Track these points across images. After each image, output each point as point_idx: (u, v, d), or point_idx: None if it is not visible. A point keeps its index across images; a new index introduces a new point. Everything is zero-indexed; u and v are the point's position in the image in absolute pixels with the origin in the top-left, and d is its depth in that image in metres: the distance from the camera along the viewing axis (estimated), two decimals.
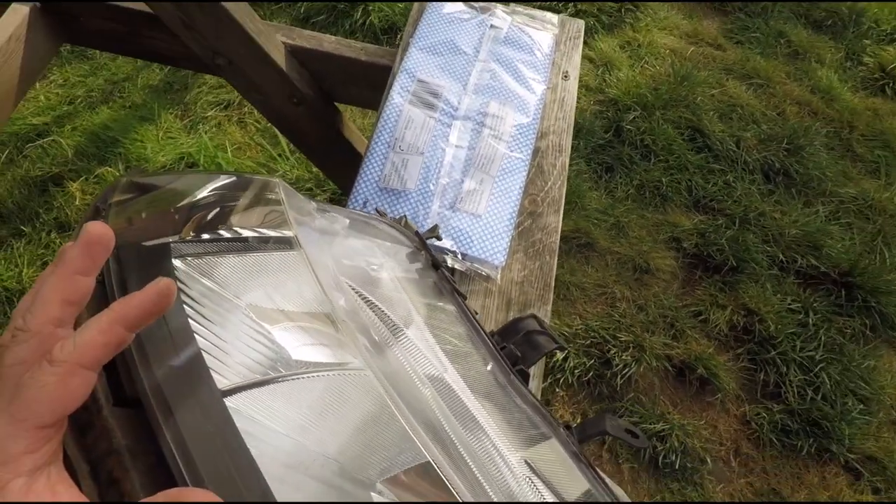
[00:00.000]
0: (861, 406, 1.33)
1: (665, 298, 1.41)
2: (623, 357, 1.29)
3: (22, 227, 1.38)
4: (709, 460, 1.24)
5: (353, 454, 0.32)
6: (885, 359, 1.42)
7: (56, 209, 1.41)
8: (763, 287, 1.44)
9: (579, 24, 0.88)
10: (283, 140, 1.49)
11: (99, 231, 0.25)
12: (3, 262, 1.33)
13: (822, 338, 1.39)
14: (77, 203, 1.41)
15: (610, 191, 1.56)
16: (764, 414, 1.30)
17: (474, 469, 0.36)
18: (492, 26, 0.82)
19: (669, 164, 1.61)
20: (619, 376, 1.27)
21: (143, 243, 0.38)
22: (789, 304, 1.43)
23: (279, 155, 1.47)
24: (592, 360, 1.29)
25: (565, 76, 0.83)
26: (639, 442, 0.38)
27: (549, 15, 0.87)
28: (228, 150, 1.46)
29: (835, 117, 1.81)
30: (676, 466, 1.21)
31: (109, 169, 1.45)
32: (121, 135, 1.51)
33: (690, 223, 1.53)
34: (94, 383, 0.24)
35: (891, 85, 1.90)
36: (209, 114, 1.58)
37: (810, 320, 1.41)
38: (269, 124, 1.53)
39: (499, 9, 0.84)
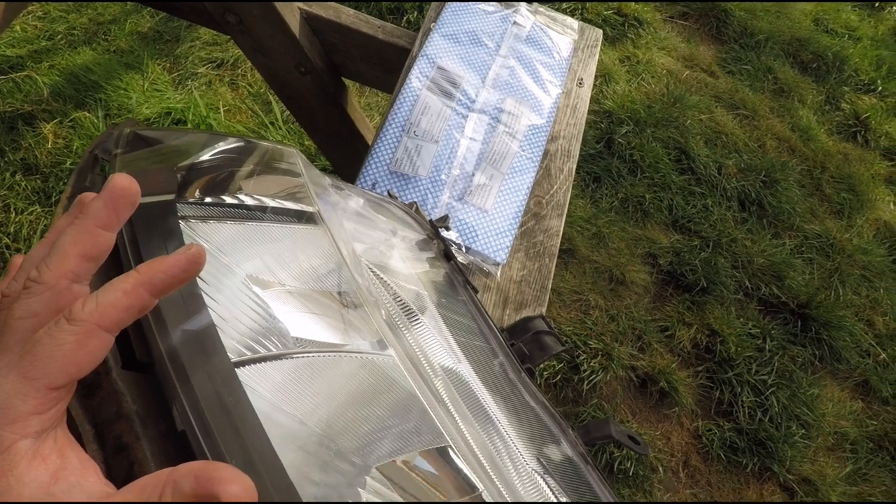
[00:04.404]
0: (803, 431, 1.41)
1: (636, 311, 1.45)
2: (591, 364, 1.33)
3: None
4: (660, 469, 1.29)
5: (361, 434, 0.31)
6: (829, 389, 1.51)
7: (24, 149, 1.33)
8: (728, 310, 1.50)
9: (597, 33, 0.89)
10: (276, 108, 1.45)
11: (125, 184, 0.24)
12: None
13: (776, 364, 1.46)
14: (49, 146, 1.33)
15: (595, 201, 1.59)
16: (715, 430, 1.36)
17: (484, 462, 0.36)
18: (515, 23, 0.82)
19: (654, 182, 1.65)
20: (586, 382, 1.31)
21: (148, 200, 0.37)
22: (750, 329, 1.49)
23: (271, 123, 1.43)
24: (562, 364, 1.32)
25: (580, 83, 0.83)
26: (640, 448, 0.39)
27: (569, 20, 0.87)
28: (221, 111, 1.41)
29: (809, 156, 1.89)
30: (630, 473, 1.25)
31: (87, 114, 1.38)
32: (103, 80, 1.44)
33: (668, 241, 1.58)
34: (111, 347, 0.23)
35: (862, 133, 2.00)
36: (200, 70, 1.52)
37: (767, 346, 1.48)
38: (263, 89, 1.49)
39: (523, 6, 0.84)
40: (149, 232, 0.34)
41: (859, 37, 2.28)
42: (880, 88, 2.13)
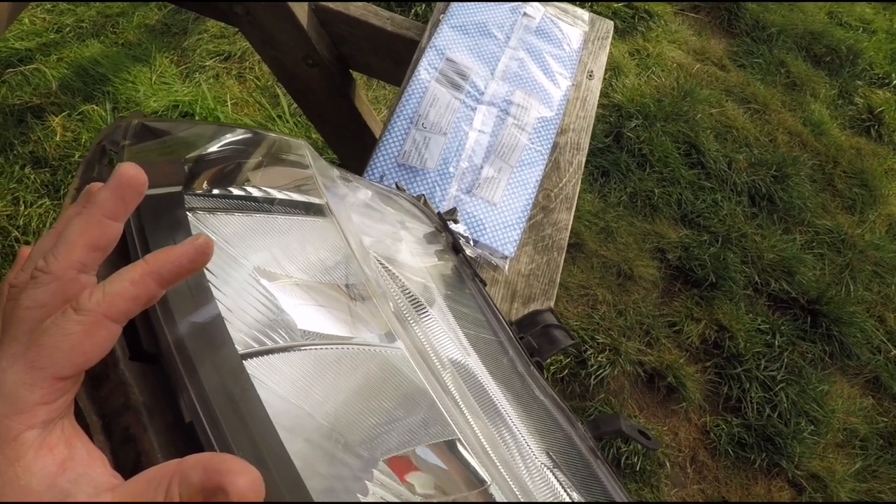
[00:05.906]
0: (812, 427, 1.39)
1: (644, 306, 1.44)
2: (599, 359, 1.32)
3: None
4: (667, 464, 1.28)
5: (368, 427, 0.31)
6: (839, 385, 1.49)
7: (33, 143, 1.34)
8: (737, 305, 1.49)
9: (608, 25, 0.87)
10: (284, 101, 1.45)
11: (132, 174, 0.24)
12: None
13: (785, 359, 1.44)
14: (57, 139, 1.34)
15: (604, 195, 1.58)
16: (723, 426, 1.35)
17: (493, 455, 0.36)
18: (525, 14, 0.81)
19: (663, 176, 1.64)
20: (593, 377, 1.30)
21: (156, 192, 0.37)
22: (759, 325, 1.48)
23: (279, 116, 1.43)
24: (569, 359, 1.31)
25: (590, 75, 0.82)
26: (650, 443, 0.39)
27: (580, 11, 0.86)
28: (228, 103, 1.41)
29: (821, 151, 1.87)
30: (637, 468, 1.25)
31: (95, 107, 1.38)
32: (111, 73, 1.44)
33: (676, 236, 1.57)
34: (118, 337, 0.23)
35: (876, 127, 1.97)
36: (207, 63, 1.52)
37: (776, 342, 1.46)
38: (271, 82, 1.48)
39: None
40: (156, 223, 0.34)
41: (874, 30, 2.24)
42: (895, 82, 2.09)
